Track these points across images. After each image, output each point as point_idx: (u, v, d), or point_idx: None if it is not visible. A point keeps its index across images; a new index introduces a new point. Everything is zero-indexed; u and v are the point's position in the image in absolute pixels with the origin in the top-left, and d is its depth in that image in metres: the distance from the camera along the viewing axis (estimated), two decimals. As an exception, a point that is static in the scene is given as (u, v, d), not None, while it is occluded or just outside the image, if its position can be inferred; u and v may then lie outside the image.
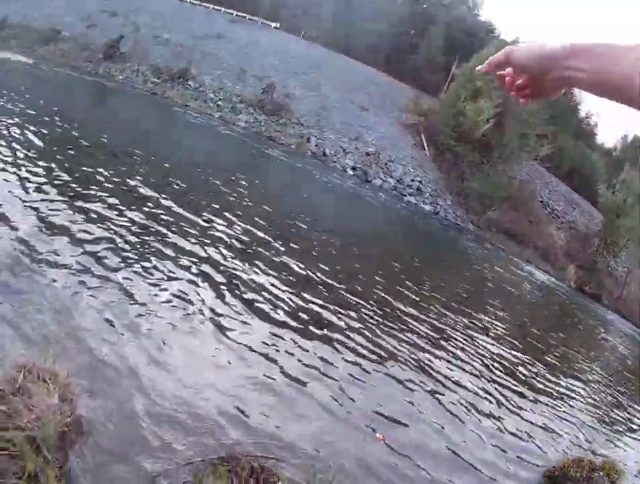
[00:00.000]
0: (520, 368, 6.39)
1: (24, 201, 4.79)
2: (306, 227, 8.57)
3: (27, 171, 5.62)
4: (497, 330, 7.69)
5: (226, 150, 16.49)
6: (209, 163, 11.67)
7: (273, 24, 33.84)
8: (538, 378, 6.40)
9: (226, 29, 31.99)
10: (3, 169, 5.46)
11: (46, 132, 7.95)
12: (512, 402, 5.14)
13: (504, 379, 5.69)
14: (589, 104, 69.10)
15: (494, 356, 6.35)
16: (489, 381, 5.38)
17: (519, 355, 6.94)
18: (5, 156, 5.96)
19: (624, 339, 17.12)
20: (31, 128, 7.75)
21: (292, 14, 34.74)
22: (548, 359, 7.58)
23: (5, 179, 5.12)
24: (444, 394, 4.54)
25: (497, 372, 5.81)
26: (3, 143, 6.52)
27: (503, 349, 6.92)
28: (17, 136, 7.17)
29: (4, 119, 7.79)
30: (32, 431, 1.94)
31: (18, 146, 6.57)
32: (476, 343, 6.46)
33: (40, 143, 7.11)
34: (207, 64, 28.03)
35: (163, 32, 31.02)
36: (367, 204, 17.00)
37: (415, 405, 4.13)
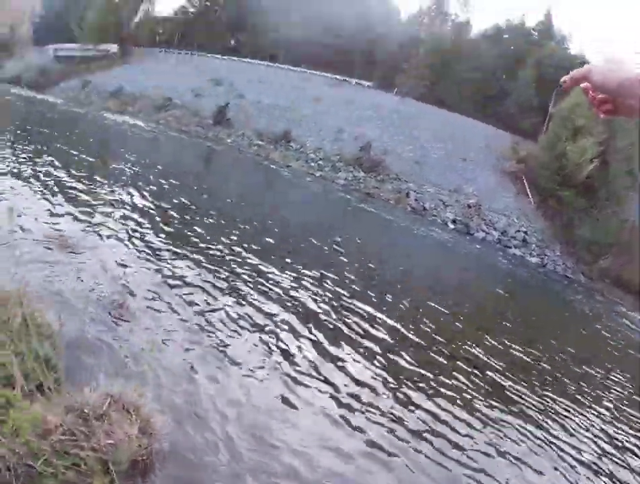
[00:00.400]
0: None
1: (131, 245, 5.77)
2: (401, 285, 9.02)
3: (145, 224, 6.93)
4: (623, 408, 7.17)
5: (326, 207, 17.74)
6: (311, 221, 12.96)
7: (367, 83, 35.70)
8: None
9: (321, 91, 34.48)
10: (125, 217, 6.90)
11: (167, 188, 9.74)
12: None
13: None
14: None
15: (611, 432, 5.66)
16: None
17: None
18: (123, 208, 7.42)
19: None
20: (158, 183, 9.72)
21: (383, 72, 36.52)
22: None
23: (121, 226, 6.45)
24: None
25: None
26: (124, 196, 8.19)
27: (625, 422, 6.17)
28: (141, 192, 8.87)
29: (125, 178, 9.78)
30: (105, 454, 2.04)
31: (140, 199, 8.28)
32: (591, 418, 5.84)
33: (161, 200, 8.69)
34: (306, 126, 30.33)
35: (264, 98, 34.17)
36: (469, 258, 17.09)
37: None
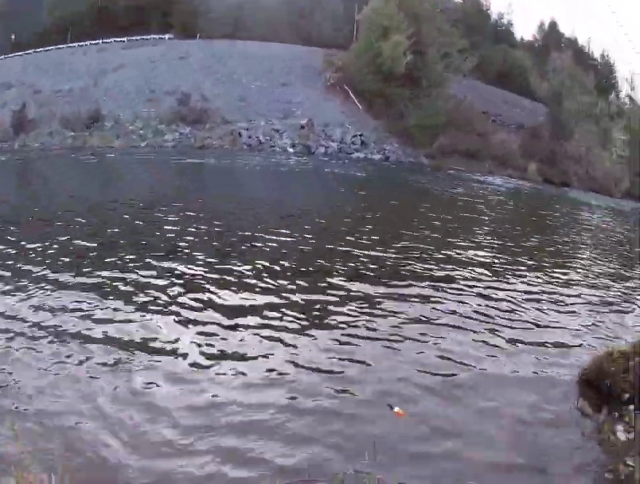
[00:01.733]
0: (518, 268, 6.26)
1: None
2: (267, 213, 8.29)
3: None
4: (488, 243, 7.60)
5: (161, 175, 15.77)
6: (146, 196, 11.21)
7: (167, 35, 32.94)
8: (535, 277, 6.17)
9: (121, 57, 30.95)
10: None
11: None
12: (520, 307, 4.90)
13: (506, 283, 5.54)
14: (499, 5, 69.76)
15: (489, 263, 6.25)
16: (492, 289, 5.25)
17: (510, 257, 6.87)
18: None
19: (604, 212, 17.48)
20: None
21: (182, 18, 33.89)
22: (537, 254, 7.39)
23: None
24: (458, 311, 4.51)
25: (495, 277, 5.67)
26: None
27: (497, 256, 6.85)
28: None
29: None
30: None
31: None
32: (471, 260, 6.31)
33: None
34: (115, 99, 27.13)
35: (62, 84, 29.84)
36: (319, 175, 16.78)
37: (433, 330, 3.97)
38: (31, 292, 4.52)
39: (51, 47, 36.68)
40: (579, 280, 6.31)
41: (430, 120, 25.74)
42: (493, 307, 4.78)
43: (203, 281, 4.85)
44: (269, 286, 4.82)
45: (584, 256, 8.10)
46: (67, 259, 5.42)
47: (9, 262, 5.32)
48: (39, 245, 5.85)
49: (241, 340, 3.71)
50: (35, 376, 3.05)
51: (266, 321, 4.07)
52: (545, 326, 4.48)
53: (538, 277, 6.04)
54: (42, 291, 4.47)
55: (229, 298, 4.55)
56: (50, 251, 5.65)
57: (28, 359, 3.25)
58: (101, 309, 4.14)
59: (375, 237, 7.13)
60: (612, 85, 40.71)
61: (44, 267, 4.99)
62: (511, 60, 43.72)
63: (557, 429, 2.97)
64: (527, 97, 37.38)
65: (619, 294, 6.02)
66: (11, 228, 6.77)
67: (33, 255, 5.51)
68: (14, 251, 5.69)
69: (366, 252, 6.20)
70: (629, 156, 29.77)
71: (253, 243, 6.34)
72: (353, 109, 25.69)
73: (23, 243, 5.97)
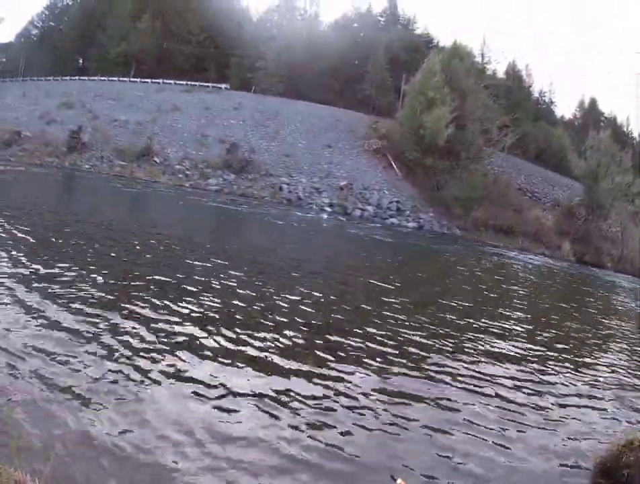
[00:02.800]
0: (547, 352, 6.12)
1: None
2: (299, 273, 8.34)
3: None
4: (514, 324, 7.50)
5: (201, 218, 16.30)
6: (187, 236, 11.62)
7: (223, 85, 34.92)
8: (562, 352, 6.13)
9: (178, 99, 32.88)
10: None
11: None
12: (545, 389, 4.79)
13: (531, 368, 5.40)
14: (541, 83, 71.56)
15: (518, 346, 6.11)
16: (516, 371, 5.15)
17: (540, 339, 6.72)
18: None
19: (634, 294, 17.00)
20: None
21: (239, 73, 36.00)
22: (564, 338, 7.24)
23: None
24: (477, 394, 4.37)
25: (522, 362, 5.54)
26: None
27: (524, 335, 6.76)
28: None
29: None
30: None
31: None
32: (495, 340, 6.22)
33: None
34: (168, 137, 28.60)
35: (119, 114, 31.71)
36: (351, 236, 16.99)
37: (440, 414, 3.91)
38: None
39: (115, 78, 39.44)
40: (606, 364, 6.17)
41: (467, 193, 26.07)
42: (505, 387, 4.68)
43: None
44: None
45: (616, 345, 7.96)
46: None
47: None
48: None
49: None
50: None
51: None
52: (562, 417, 4.29)
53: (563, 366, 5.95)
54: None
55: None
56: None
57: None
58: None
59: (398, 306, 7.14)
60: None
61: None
62: (551, 137, 44.44)
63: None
64: (565, 175, 37.59)
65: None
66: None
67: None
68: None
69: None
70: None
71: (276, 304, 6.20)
72: (393, 176, 26.33)
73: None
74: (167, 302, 5.34)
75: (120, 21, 42.16)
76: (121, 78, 39.00)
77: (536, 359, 5.64)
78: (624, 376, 5.75)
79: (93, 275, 5.92)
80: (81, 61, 49.37)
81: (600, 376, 5.51)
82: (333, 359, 4.58)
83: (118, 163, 26.89)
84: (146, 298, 5.41)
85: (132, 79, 38.58)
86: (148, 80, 37.79)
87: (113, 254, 7.36)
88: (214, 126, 29.05)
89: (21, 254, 6.38)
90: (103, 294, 5.28)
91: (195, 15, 42.20)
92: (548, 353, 6.02)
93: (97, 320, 4.50)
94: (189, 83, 35.57)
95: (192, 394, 3.52)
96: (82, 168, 25.91)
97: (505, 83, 44.15)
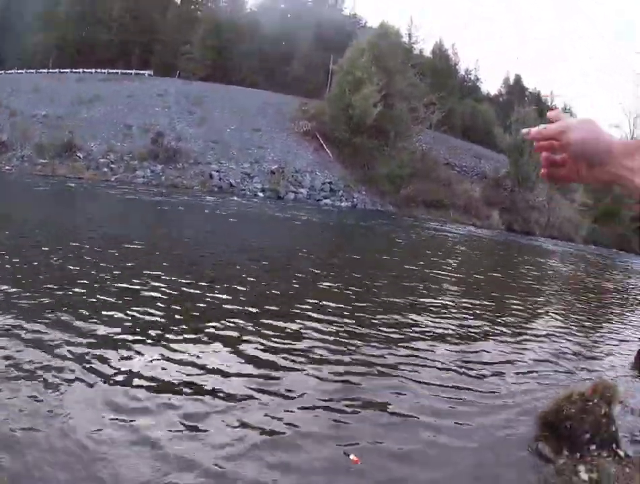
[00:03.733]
0: (478, 312, 6.44)
1: None
2: (235, 256, 8.21)
3: None
4: (450, 285, 7.89)
5: (129, 213, 15.67)
6: (113, 232, 11.20)
7: (147, 72, 33.53)
8: (497, 319, 6.29)
9: (99, 89, 31.23)
10: None
11: None
12: (479, 348, 5.01)
13: (466, 326, 5.62)
14: (467, 62, 74.23)
15: (455, 305, 6.42)
16: (451, 330, 5.35)
17: (474, 300, 7.06)
18: None
19: (562, 256, 18.57)
20: None
21: (162, 59, 34.64)
22: (497, 300, 7.59)
23: None
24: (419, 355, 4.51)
25: (456, 319, 5.78)
26: None
27: (461, 298, 7.09)
28: None
29: None
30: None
31: None
32: (433, 302, 6.53)
33: None
34: (89, 130, 27.22)
35: (39, 109, 29.77)
36: (285, 220, 17.06)
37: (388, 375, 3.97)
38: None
39: (32, 70, 36.78)
40: (542, 326, 6.45)
41: (396, 171, 26.98)
42: (455, 348, 4.91)
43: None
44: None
45: (552, 300, 8.59)
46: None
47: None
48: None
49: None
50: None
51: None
52: (502, 371, 4.49)
53: (501, 319, 6.30)
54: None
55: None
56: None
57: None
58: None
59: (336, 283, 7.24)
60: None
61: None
62: (477, 113, 46.55)
63: (518, 473, 2.95)
64: (491, 149, 39.59)
65: (582, 337, 6.19)
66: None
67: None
68: None
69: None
70: (588, 203, 31.90)
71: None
72: (324, 157, 26.66)
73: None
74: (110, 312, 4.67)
75: (39, 8, 39.08)
76: (39, 71, 36.50)
77: (473, 330, 5.61)
78: (561, 340, 5.89)
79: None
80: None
81: (539, 342, 5.63)
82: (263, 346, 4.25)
83: (40, 161, 25.38)
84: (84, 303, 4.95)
85: (50, 70, 36.16)
86: (68, 70, 35.55)
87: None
88: (138, 114, 27.88)
89: None
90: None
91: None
92: (486, 323, 6.07)
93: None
94: (110, 71, 33.80)
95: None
96: (2, 170, 24.18)
97: (431, 61, 45.50)
